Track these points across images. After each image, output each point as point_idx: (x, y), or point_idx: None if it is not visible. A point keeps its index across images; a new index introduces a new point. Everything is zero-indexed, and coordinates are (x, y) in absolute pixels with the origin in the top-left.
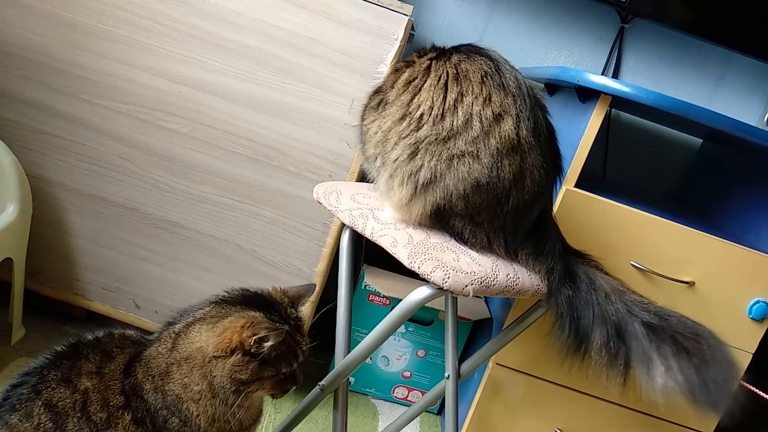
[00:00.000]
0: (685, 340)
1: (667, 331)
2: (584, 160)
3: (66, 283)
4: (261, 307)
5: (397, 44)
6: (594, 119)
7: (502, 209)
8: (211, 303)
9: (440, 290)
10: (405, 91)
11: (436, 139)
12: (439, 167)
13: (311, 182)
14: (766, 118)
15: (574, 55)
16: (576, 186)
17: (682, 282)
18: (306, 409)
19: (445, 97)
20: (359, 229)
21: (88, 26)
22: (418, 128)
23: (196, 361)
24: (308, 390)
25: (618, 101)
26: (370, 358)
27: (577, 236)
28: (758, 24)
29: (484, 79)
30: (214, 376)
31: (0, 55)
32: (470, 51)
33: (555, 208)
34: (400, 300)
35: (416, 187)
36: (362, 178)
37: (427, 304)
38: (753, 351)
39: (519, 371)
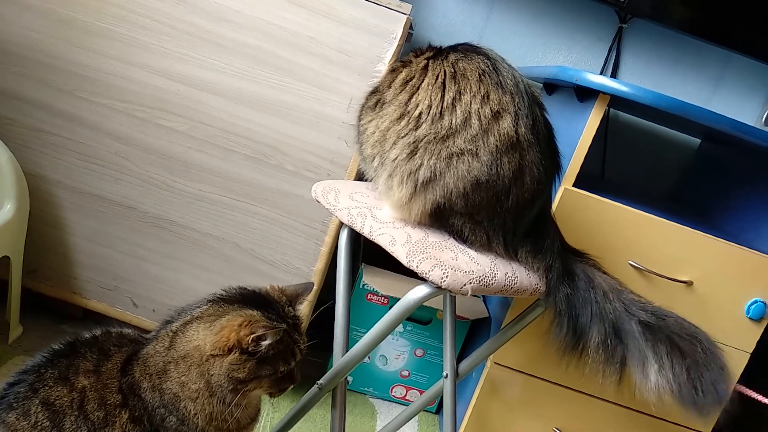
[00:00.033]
0: (680, 341)
1: (663, 331)
2: (582, 160)
3: (63, 281)
4: (259, 306)
5: (395, 43)
6: (592, 119)
7: (501, 207)
8: (209, 301)
9: (438, 289)
10: (402, 90)
11: (435, 137)
12: (438, 166)
13: (309, 181)
14: (764, 118)
15: (573, 55)
16: (574, 185)
17: (680, 282)
18: (304, 407)
19: (443, 96)
20: (357, 228)
21: (86, 24)
22: (416, 127)
23: (194, 359)
24: (306, 389)
25: (616, 101)
26: (369, 357)
27: (575, 235)
28: (757, 24)
29: (482, 77)
30: (212, 375)
31: None
32: (467, 50)
33: (553, 207)
34: (399, 299)
35: (416, 186)
36: (360, 177)
37: (425, 303)
38: (751, 351)
39: (517, 370)
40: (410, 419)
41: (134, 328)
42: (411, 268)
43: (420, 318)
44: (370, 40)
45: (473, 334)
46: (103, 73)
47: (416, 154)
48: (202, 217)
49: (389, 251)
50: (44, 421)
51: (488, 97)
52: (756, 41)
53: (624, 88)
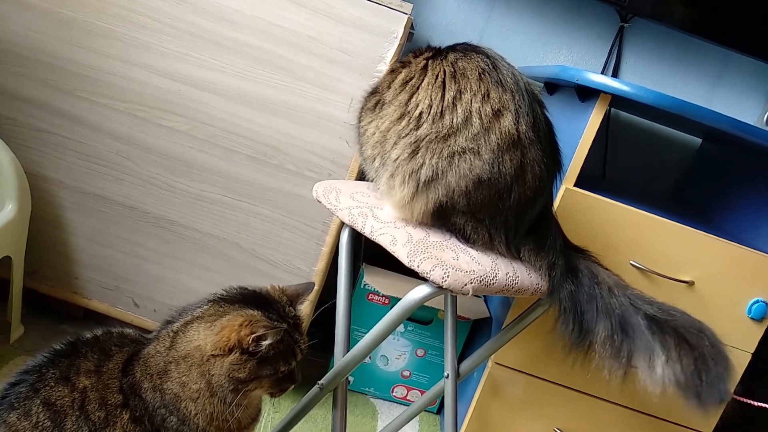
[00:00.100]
0: (687, 334)
1: (670, 324)
2: (584, 160)
3: (65, 281)
4: (259, 306)
5: (396, 43)
6: (593, 118)
7: (503, 205)
8: (210, 301)
9: (440, 289)
10: (402, 90)
11: (436, 137)
12: (440, 164)
13: (310, 181)
14: (765, 118)
15: (574, 54)
16: (575, 185)
17: (681, 281)
18: (305, 408)
19: (443, 95)
20: (358, 228)
21: (87, 24)
22: (417, 127)
23: (195, 359)
24: (307, 389)
25: (617, 100)
26: (370, 358)
27: (576, 235)
28: (757, 23)
29: (482, 76)
30: (213, 375)
31: None
32: (466, 49)
33: (555, 207)
34: (400, 299)
35: (418, 185)
36: (361, 176)
37: (426, 303)
38: (752, 351)
39: (518, 371)
40: (411, 419)
41: (135, 328)
42: (412, 267)
43: (421, 318)
44: (371, 40)
45: (474, 334)
46: (104, 73)
47: (417, 153)
48: (203, 217)
49: (390, 251)
50: (45, 421)
51: (488, 96)
52: (756, 40)
53: (625, 88)
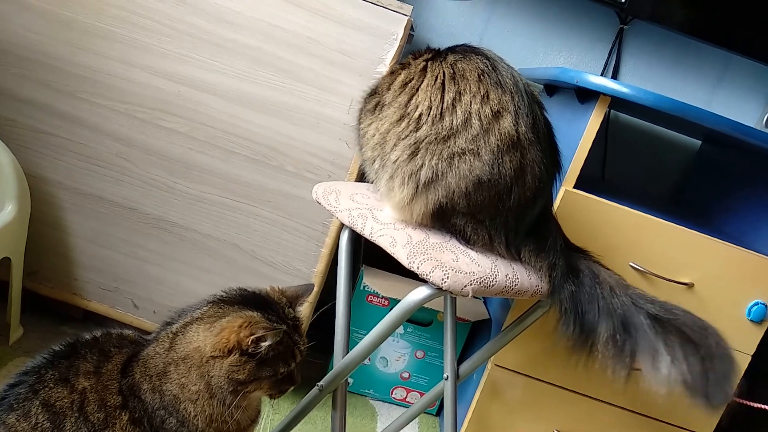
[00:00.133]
0: (692, 332)
1: (673, 323)
2: (583, 161)
3: (64, 282)
4: (259, 307)
5: (396, 44)
6: (593, 120)
7: (503, 206)
8: (209, 303)
9: (439, 290)
10: (402, 92)
11: (436, 138)
12: (440, 166)
13: (310, 182)
14: (765, 120)
15: (574, 56)
16: (575, 187)
17: (681, 283)
18: (304, 409)
19: (443, 97)
20: (358, 229)
21: (87, 25)
22: (417, 129)
23: (194, 361)
24: (307, 390)
25: (617, 102)
26: (369, 359)
27: (576, 237)
28: (757, 25)
29: (481, 77)
30: (212, 376)
31: None
32: (466, 51)
33: (554, 208)
34: (399, 300)
35: (417, 187)
36: (361, 178)
37: (425, 305)
38: (752, 353)
39: (518, 372)
40: (411, 421)
41: (135, 330)
42: (411, 269)
43: (420, 320)
44: (371, 42)
45: (474, 335)
46: (104, 75)
47: (417, 155)
48: (203, 218)
49: (390, 252)
50: (44, 422)
51: (488, 97)
52: (756, 42)
53: (625, 90)
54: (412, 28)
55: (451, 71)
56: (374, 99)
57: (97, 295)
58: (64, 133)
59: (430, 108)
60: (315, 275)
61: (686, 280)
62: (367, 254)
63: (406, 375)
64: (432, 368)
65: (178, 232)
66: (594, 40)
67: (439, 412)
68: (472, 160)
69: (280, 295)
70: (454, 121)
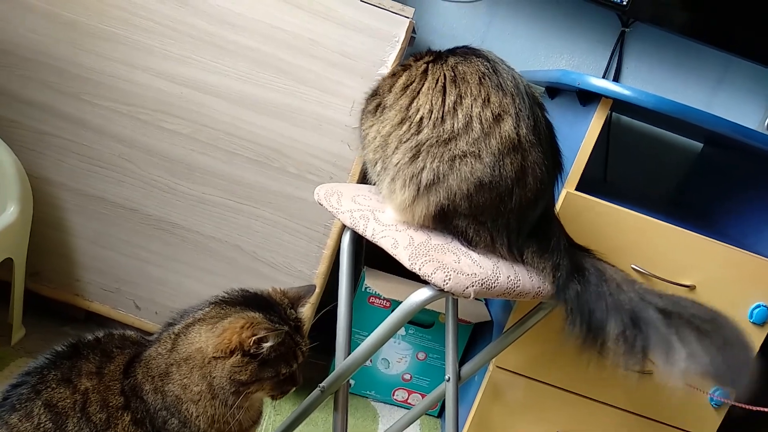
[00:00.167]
0: (704, 324)
1: (683, 315)
2: (585, 163)
3: (66, 283)
4: (260, 308)
5: (398, 46)
6: (595, 122)
7: (505, 207)
8: (211, 304)
9: (441, 292)
10: (403, 95)
11: (437, 141)
12: (441, 168)
13: (312, 184)
14: (766, 122)
15: (575, 59)
16: (577, 189)
17: (682, 286)
18: (306, 410)
19: (444, 100)
20: (360, 231)
21: (90, 27)
22: (418, 132)
23: (196, 361)
24: (308, 392)
25: (619, 104)
26: (371, 361)
27: (577, 239)
28: (757, 28)
29: (482, 80)
30: (214, 377)
31: (1, 55)
32: (466, 53)
33: (556, 209)
34: (401, 302)
35: (419, 189)
36: (363, 179)
37: (427, 307)
38: (753, 355)
39: (519, 374)
40: (412, 423)
41: (136, 331)
42: (413, 270)
43: (422, 321)
44: (372, 44)
45: (475, 337)
46: (107, 76)
47: (418, 157)
48: (205, 219)
49: (392, 254)
50: (47, 422)
51: (489, 100)
52: (756, 45)
53: (626, 92)
54: (413, 31)
55: (452, 74)
56: (375, 100)
57: (98, 296)
58: (67, 135)
59: (431, 111)
60: (317, 276)
61: (688, 283)
62: (369, 256)
63: (407, 376)
64: (433, 370)
65: (180, 234)
66: (595, 43)
67: (441, 413)
68: (473, 163)
69: (281, 297)
70: (456, 125)
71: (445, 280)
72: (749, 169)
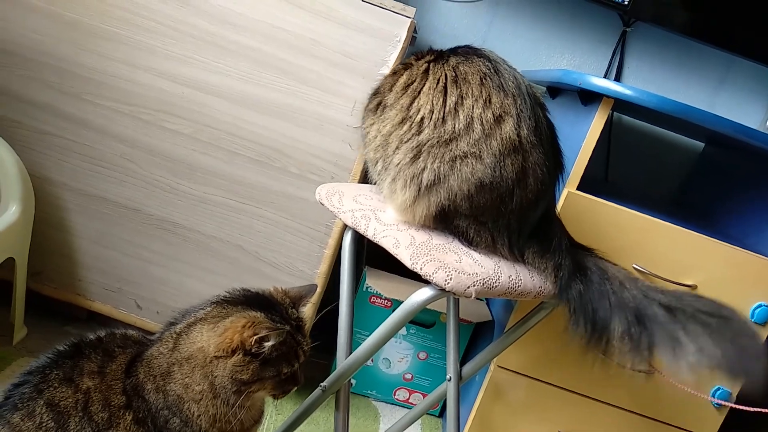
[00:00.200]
0: (710, 318)
1: (687, 311)
2: (586, 163)
3: (68, 283)
4: (262, 308)
5: (399, 46)
6: (596, 122)
7: (506, 208)
8: (213, 303)
9: (442, 291)
10: (404, 94)
11: (438, 141)
12: (442, 168)
13: (313, 184)
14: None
15: (577, 59)
16: (578, 189)
17: (684, 285)
18: (307, 410)
19: (445, 101)
20: (361, 231)
21: (91, 27)
22: (419, 132)
23: (198, 361)
24: (310, 391)
25: (620, 104)
26: (372, 360)
27: (578, 239)
28: (759, 27)
29: (483, 80)
30: (216, 376)
31: (3, 55)
32: (468, 53)
33: (557, 209)
34: (402, 302)
35: (419, 189)
36: (364, 179)
37: (428, 306)
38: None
39: (520, 374)
40: (413, 422)
41: (138, 330)
42: (415, 270)
43: (423, 321)
44: (374, 44)
45: (477, 337)
46: (109, 76)
47: (419, 157)
48: (207, 219)
49: (393, 254)
50: (49, 421)
51: (490, 101)
52: (758, 44)
53: (628, 92)
54: (415, 30)
55: (454, 74)
56: (376, 99)
57: (100, 295)
58: (69, 135)
59: (432, 112)
60: (318, 276)
61: (689, 282)
62: (370, 255)
63: (408, 376)
64: (435, 369)
65: (182, 233)
66: (597, 43)
67: (442, 413)
68: (474, 163)
69: (283, 296)
70: (457, 125)
71: (446, 280)
72: (751, 168)
